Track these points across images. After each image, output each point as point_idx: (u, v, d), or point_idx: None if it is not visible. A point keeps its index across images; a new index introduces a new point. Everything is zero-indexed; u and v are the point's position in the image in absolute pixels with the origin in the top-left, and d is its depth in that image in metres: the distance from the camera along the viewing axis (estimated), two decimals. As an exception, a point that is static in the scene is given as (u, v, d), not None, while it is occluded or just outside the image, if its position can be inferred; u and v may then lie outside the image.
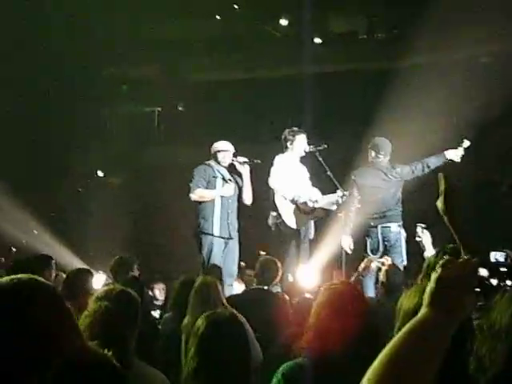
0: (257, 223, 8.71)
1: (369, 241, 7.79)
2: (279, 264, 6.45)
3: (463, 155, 8.30)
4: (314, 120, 15.46)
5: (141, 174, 19.44)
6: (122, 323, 3.12)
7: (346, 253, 7.73)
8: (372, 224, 7.79)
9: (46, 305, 1.64)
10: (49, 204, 17.26)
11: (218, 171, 7.98)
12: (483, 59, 17.79)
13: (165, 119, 22.53)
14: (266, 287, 6.21)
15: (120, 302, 3.24)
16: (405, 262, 7.29)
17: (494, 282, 1.67)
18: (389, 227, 7.68)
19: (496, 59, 17.01)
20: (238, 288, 7.19)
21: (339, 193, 7.92)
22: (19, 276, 1.68)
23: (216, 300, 4.97)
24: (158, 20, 20.10)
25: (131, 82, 20.97)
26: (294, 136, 8.26)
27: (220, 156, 7.98)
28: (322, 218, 8.23)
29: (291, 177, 8.14)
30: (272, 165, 8.24)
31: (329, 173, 7.99)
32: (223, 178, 7.98)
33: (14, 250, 13.63)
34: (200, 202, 7.89)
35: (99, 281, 7.85)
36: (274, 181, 8.07)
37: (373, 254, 7.62)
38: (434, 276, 1.63)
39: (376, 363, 1.55)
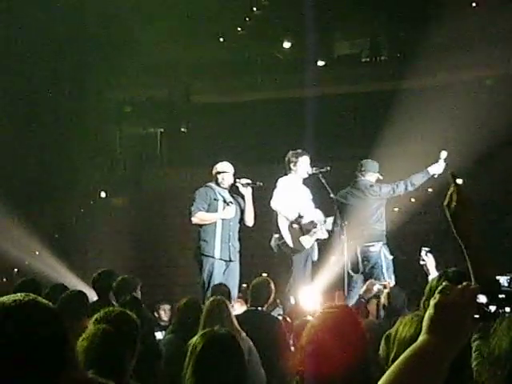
0: (259, 244, 8.71)
1: (350, 260, 7.74)
2: (272, 285, 6.41)
3: (446, 168, 8.21)
4: (317, 142, 15.48)
5: (143, 195, 19.46)
6: (121, 345, 3.10)
7: (349, 275, 7.69)
8: (351, 243, 7.74)
9: (46, 326, 1.63)
10: (51, 225, 17.27)
11: (220, 193, 7.97)
12: (487, 81, 17.87)
13: (167, 140, 22.62)
14: (259, 308, 6.17)
15: (119, 324, 3.22)
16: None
17: (493, 308, 1.65)
18: (367, 247, 7.59)
19: (500, 82, 17.07)
20: (239, 309, 7.15)
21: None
22: (20, 295, 1.67)
23: (227, 320, 4.95)
24: (162, 43, 20.25)
25: (135, 104, 21.09)
26: (297, 158, 8.25)
27: (220, 177, 7.97)
28: (325, 240, 8.22)
29: (294, 198, 8.13)
30: (275, 187, 8.24)
31: (332, 195, 7.99)
32: (224, 201, 7.96)
33: (15, 270, 13.62)
34: (201, 225, 7.89)
35: None
36: (276, 202, 8.07)
37: (354, 272, 7.59)
38: (432, 302, 1.62)
39: None
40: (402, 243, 14.20)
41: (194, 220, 7.85)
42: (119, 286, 6.09)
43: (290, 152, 8.27)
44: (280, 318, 6.84)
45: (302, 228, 7.97)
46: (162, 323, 8.42)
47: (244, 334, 4.92)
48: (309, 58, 19.75)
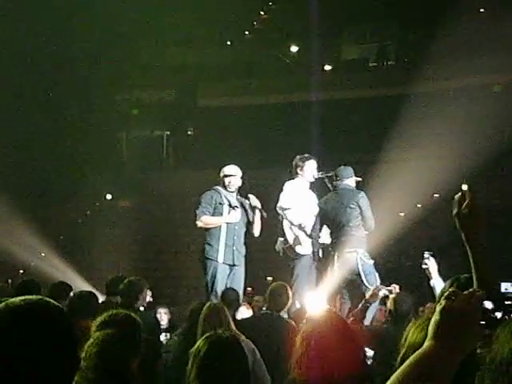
0: (264, 248, 8.71)
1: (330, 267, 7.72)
2: (290, 290, 6.41)
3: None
4: (324, 146, 15.48)
5: (149, 198, 19.48)
6: (125, 348, 3.10)
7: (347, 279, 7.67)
8: (330, 249, 7.72)
9: (56, 327, 1.64)
10: (57, 226, 17.31)
11: (225, 197, 7.95)
12: (495, 88, 17.86)
13: (174, 143, 22.65)
14: (276, 313, 6.17)
15: (125, 328, 3.22)
16: (366, 291, 7.16)
17: (499, 315, 1.64)
18: (346, 253, 7.55)
19: (508, 88, 17.06)
20: (245, 313, 7.13)
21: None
22: (29, 297, 1.68)
23: (225, 325, 4.93)
24: (169, 46, 20.30)
25: (142, 107, 21.13)
26: (303, 162, 8.23)
27: (227, 181, 7.95)
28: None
29: (300, 202, 8.12)
30: (281, 190, 8.24)
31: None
32: (230, 205, 7.94)
33: (21, 271, 13.64)
34: (206, 228, 7.88)
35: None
36: (282, 206, 8.06)
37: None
38: (438, 308, 1.61)
39: None
40: (408, 248, 14.20)
41: (199, 224, 7.83)
42: (126, 289, 6.07)
43: (297, 156, 8.26)
44: (284, 322, 6.84)
45: (306, 232, 7.96)
46: (162, 326, 8.42)
47: (244, 337, 4.91)
48: (316, 62, 19.76)
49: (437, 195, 15.79)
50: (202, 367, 2.90)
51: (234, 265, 7.78)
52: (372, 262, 7.34)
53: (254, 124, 19.88)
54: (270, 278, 8.23)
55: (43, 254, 13.65)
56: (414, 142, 15.46)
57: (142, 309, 6.07)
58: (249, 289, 8.61)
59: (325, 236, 7.83)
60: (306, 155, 8.25)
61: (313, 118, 17.85)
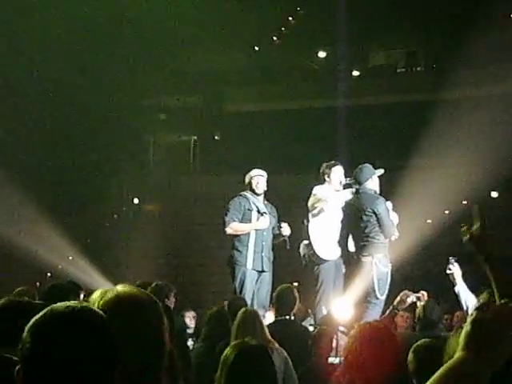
0: (291, 254, 8.68)
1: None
2: (296, 292, 6.39)
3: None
4: (351, 152, 15.43)
5: (176, 202, 19.55)
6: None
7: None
8: (351, 255, 7.67)
9: (100, 334, 1.66)
10: (85, 230, 17.43)
11: (254, 203, 7.96)
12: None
13: (201, 148, 22.73)
14: (287, 317, 6.16)
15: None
16: (380, 296, 7.07)
17: None
18: (362, 257, 7.49)
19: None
20: (271, 319, 7.13)
21: None
22: (73, 303, 1.70)
23: (260, 331, 4.92)
24: (196, 51, 20.37)
25: (169, 112, 21.22)
26: (330, 169, 8.25)
27: (254, 182, 7.96)
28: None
29: (327, 208, 8.11)
30: (309, 195, 8.24)
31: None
32: (258, 211, 7.96)
33: (49, 274, 13.75)
34: (235, 235, 7.88)
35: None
36: (312, 207, 8.05)
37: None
38: (469, 319, 1.60)
39: None
40: (436, 255, 14.07)
41: (228, 231, 7.84)
42: (152, 293, 6.07)
43: (324, 164, 8.27)
44: (312, 328, 6.81)
45: (332, 238, 7.95)
46: (188, 330, 8.42)
47: (277, 345, 4.89)
48: (344, 67, 19.71)
49: (465, 202, 15.65)
50: (230, 375, 2.91)
51: (262, 271, 7.79)
52: (388, 270, 7.26)
53: (281, 129, 19.87)
54: (295, 284, 8.20)
55: (71, 257, 13.75)
56: (442, 149, 15.34)
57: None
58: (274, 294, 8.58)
59: (352, 243, 7.80)
60: (333, 162, 8.25)
61: (340, 124, 17.80)
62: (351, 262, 7.51)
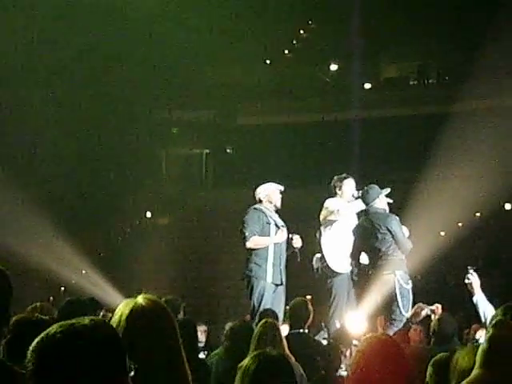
0: (303, 266, 8.67)
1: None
2: (310, 306, 6.38)
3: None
4: (363, 164, 15.41)
5: (189, 216, 19.57)
6: None
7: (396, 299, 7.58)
8: (368, 271, 7.63)
9: (111, 350, 1.67)
10: (98, 243, 17.48)
11: (271, 217, 7.96)
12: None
13: (213, 161, 22.77)
14: (300, 330, 6.15)
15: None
16: (404, 313, 7.05)
17: None
18: (383, 275, 7.45)
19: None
20: (286, 331, 7.10)
21: None
22: (80, 320, 1.70)
23: (279, 343, 4.92)
24: (208, 65, 20.47)
25: (182, 125, 21.30)
26: (341, 182, 8.23)
27: (276, 197, 7.98)
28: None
29: (339, 221, 8.10)
30: (321, 208, 8.23)
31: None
32: (276, 225, 7.97)
33: (63, 289, 13.78)
34: (253, 249, 7.88)
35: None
36: (324, 220, 8.04)
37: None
38: (486, 336, 1.58)
39: None
40: (449, 268, 14.01)
41: (249, 245, 7.82)
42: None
43: (335, 177, 8.26)
44: (325, 341, 6.78)
45: (344, 251, 7.93)
46: (199, 344, 8.38)
47: (294, 360, 4.87)
48: (356, 80, 19.73)
49: (478, 214, 15.58)
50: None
51: (281, 284, 7.79)
52: (410, 286, 7.24)
53: (293, 143, 19.89)
54: (308, 297, 8.18)
55: (84, 272, 13.77)
56: (454, 161, 15.30)
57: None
58: (287, 307, 8.57)
59: (365, 256, 7.77)
60: (344, 175, 8.24)
61: (352, 137, 17.80)
62: (367, 278, 7.48)
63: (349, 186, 8.12)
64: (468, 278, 5.28)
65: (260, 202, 7.97)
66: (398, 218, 7.46)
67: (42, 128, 17.16)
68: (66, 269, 13.40)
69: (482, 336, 5.34)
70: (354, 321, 6.45)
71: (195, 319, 8.71)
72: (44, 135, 17.26)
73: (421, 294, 9.60)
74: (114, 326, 2.11)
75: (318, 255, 8.07)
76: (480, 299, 5.25)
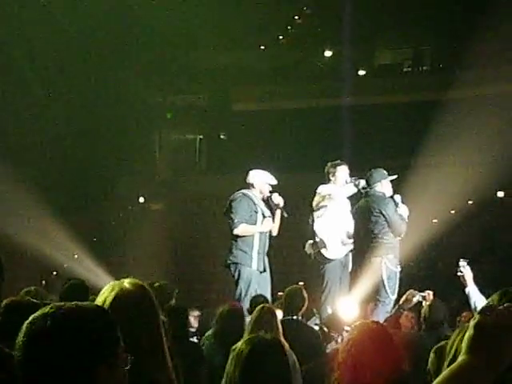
0: (295, 253, 8.69)
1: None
2: (305, 293, 6.41)
3: None
4: (356, 151, 15.41)
5: (181, 201, 19.56)
6: None
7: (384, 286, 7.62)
8: (359, 256, 7.70)
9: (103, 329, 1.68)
10: (90, 228, 17.45)
11: (258, 206, 8.00)
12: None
13: (206, 147, 22.73)
14: (294, 317, 6.18)
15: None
16: (391, 295, 7.11)
17: None
18: (372, 259, 7.50)
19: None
20: (279, 317, 7.13)
21: None
22: (70, 304, 1.71)
23: (275, 329, 4.94)
24: (202, 51, 20.39)
25: (175, 111, 21.24)
26: (335, 168, 8.24)
27: (267, 188, 8.01)
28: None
29: (333, 207, 8.11)
30: (315, 194, 8.23)
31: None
32: (263, 214, 8.00)
33: (55, 273, 13.77)
34: (240, 236, 7.90)
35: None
36: (316, 206, 8.05)
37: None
38: (472, 322, 1.59)
39: None
40: (441, 255, 14.06)
41: (237, 232, 7.84)
42: (157, 294, 6.07)
43: (328, 163, 8.27)
44: (317, 327, 6.81)
45: (337, 237, 7.95)
46: (192, 329, 8.41)
47: (288, 347, 4.90)
48: (350, 67, 19.70)
49: (470, 202, 15.63)
50: (244, 369, 2.90)
51: (264, 271, 7.83)
52: (398, 270, 7.29)
53: (287, 128, 19.87)
54: (301, 283, 8.21)
55: (76, 256, 13.77)
56: (447, 148, 15.32)
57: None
58: (280, 293, 8.59)
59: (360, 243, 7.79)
60: (338, 161, 8.25)
61: (346, 123, 17.80)
62: (359, 263, 7.52)
63: (342, 172, 8.14)
64: (460, 271, 5.30)
65: (252, 187, 7.97)
66: (395, 194, 7.48)
67: (35, 111, 17.10)
68: (58, 253, 13.40)
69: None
70: (346, 307, 6.48)
71: (188, 304, 8.74)
72: (38, 118, 17.20)
73: (413, 281, 9.65)
74: None
75: (310, 241, 8.10)
76: (472, 291, 5.28)
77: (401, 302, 5.60)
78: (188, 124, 21.80)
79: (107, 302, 2.24)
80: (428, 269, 14.05)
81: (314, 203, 8.15)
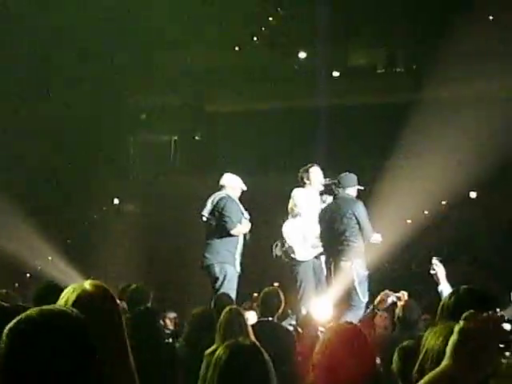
0: (270, 254, 8.70)
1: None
2: (282, 294, 6.42)
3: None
4: (331, 152, 15.46)
5: (156, 202, 19.48)
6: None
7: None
8: (328, 258, 7.69)
9: (74, 338, 1.67)
10: (64, 230, 17.32)
11: (241, 208, 8.10)
12: (502, 94, 17.78)
13: (181, 148, 22.66)
14: (270, 318, 6.18)
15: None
16: (363, 299, 7.14)
17: None
18: (341, 262, 7.53)
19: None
20: (253, 319, 7.12)
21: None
22: (49, 307, 1.70)
23: (245, 331, 4.93)
24: (176, 51, 20.33)
25: (150, 111, 21.16)
26: (307, 171, 8.27)
27: (239, 193, 8.09)
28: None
29: (307, 210, 8.13)
30: (289, 196, 8.24)
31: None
32: (243, 215, 8.11)
33: (28, 275, 13.66)
34: (227, 236, 7.93)
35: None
36: (292, 210, 8.07)
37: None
38: (456, 328, 1.60)
39: None
40: (415, 255, 14.15)
41: (234, 232, 7.94)
42: (133, 296, 6.04)
43: (301, 169, 8.30)
44: (291, 328, 6.82)
45: (309, 240, 7.98)
46: (167, 331, 8.40)
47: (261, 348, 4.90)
48: (324, 68, 19.74)
49: (444, 202, 15.74)
50: (222, 376, 2.89)
51: (241, 272, 7.89)
52: (366, 273, 7.36)
53: (262, 129, 19.86)
54: (276, 284, 8.23)
55: (50, 258, 13.65)
56: (421, 149, 15.42)
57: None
58: (255, 294, 8.60)
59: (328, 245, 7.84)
60: (309, 164, 8.29)
61: (320, 124, 17.84)
62: (329, 265, 7.56)
63: (315, 173, 8.17)
64: (433, 269, 5.34)
65: (230, 189, 8.00)
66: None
67: (8, 111, 16.94)
68: (31, 255, 13.28)
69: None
70: (321, 308, 6.50)
71: (164, 306, 8.71)
72: (9, 118, 17.04)
73: (387, 281, 9.69)
74: None
75: (279, 243, 8.16)
76: (445, 289, 5.32)
77: (375, 302, 5.63)
78: (162, 125, 21.70)
79: (69, 303, 2.24)
80: (402, 269, 14.14)
81: (289, 207, 8.20)
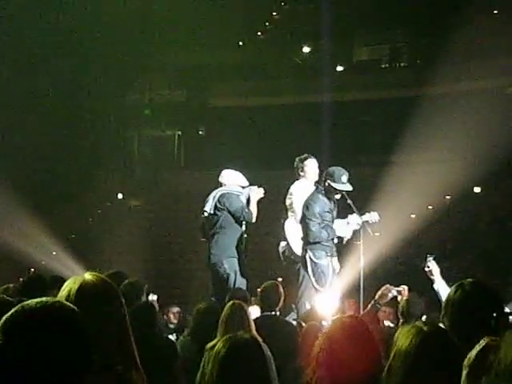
0: (274, 249, 8.70)
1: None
2: (281, 288, 6.41)
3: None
4: (335, 147, 15.44)
5: (160, 197, 19.50)
6: None
7: (364, 280, 7.63)
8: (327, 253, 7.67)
9: (71, 328, 1.67)
10: (68, 225, 17.35)
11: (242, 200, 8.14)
12: (508, 90, 17.76)
13: (185, 143, 22.68)
14: (273, 313, 6.19)
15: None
16: (319, 287, 7.24)
17: None
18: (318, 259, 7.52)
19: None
20: (256, 313, 7.12)
21: (353, 218, 7.74)
22: (45, 299, 1.70)
23: (247, 325, 4.93)
24: (181, 47, 20.34)
25: (154, 107, 21.18)
26: (303, 163, 8.18)
27: (239, 189, 8.13)
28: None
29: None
30: (288, 193, 8.22)
31: (338, 196, 7.82)
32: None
33: (32, 270, 13.67)
34: (235, 232, 7.97)
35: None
36: (289, 207, 8.07)
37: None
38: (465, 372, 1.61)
39: None
40: (418, 250, 14.14)
41: (254, 219, 8.01)
42: (126, 291, 6.04)
43: (296, 159, 8.23)
44: (294, 322, 6.82)
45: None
46: (172, 326, 8.41)
47: (261, 341, 4.90)
48: (328, 63, 19.73)
49: (448, 197, 15.73)
50: (222, 369, 2.87)
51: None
52: (325, 262, 7.35)
53: (265, 125, 19.87)
54: (280, 279, 8.22)
55: (54, 253, 13.68)
56: (425, 144, 15.40)
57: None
58: (259, 289, 8.60)
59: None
60: (305, 155, 8.21)
61: (324, 120, 17.82)
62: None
63: (310, 165, 8.09)
64: (428, 266, 5.33)
65: (234, 185, 8.01)
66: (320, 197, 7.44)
67: (14, 107, 16.96)
68: (35, 250, 13.31)
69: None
70: (324, 302, 6.50)
71: (167, 301, 8.72)
72: (17, 114, 17.08)
73: (390, 276, 9.70)
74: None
75: (284, 243, 8.16)
76: (441, 286, 5.31)
77: (376, 297, 5.61)
78: (166, 120, 21.73)
79: (72, 293, 2.27)
80: (405, 264, 14.13)
81: (287, 202, 8.19)
